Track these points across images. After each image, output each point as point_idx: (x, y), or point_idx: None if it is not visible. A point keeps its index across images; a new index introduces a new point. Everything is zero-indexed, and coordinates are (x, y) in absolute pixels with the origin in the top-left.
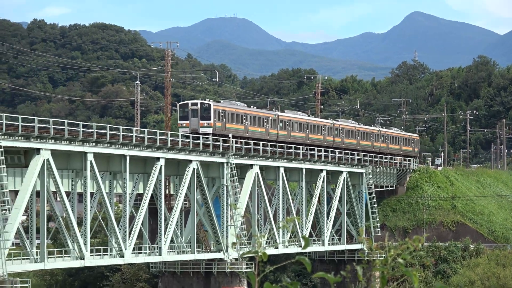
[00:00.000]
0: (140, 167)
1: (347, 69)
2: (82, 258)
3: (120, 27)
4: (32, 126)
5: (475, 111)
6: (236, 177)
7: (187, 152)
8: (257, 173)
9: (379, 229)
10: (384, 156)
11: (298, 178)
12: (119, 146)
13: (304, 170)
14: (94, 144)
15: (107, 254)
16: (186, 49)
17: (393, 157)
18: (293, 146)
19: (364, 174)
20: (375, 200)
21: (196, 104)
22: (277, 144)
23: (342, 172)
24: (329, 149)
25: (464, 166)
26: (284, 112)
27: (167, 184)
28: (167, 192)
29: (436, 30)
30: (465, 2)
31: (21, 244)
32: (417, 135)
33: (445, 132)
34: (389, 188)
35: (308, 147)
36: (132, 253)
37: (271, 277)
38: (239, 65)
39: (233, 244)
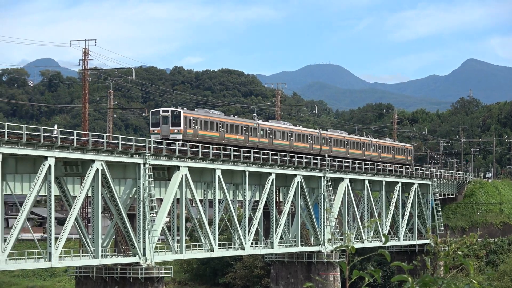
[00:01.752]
0: (257, 179)
1: (417, 103)
2: (212, 250)
3: (241, 72)
4: (173, 148)
5: None
6: (331, 187)
7: (293, 168)
8: (347, 184)
9: (442, 228)
10: (376, 163)
11: (379, 188)
12: (240, 163)
13: (384, 182)
14: (221, 162)
15: (231, 247)
16: (292, 89)
17: (385, 164)
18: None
19: (431, 185)
20: (439, 205)
21: (167, 111)
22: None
23: (413, 183)
24: (317, 157)
25: (510, 179)
26: (268, 121)
27: (277, 193)
28: (277, 199)
29: (487, 73)
30: (511, 51)
31: (165, 239)
32: (410, 145)
33: (494, 152)
34: (450, 196)
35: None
36: (250, 246)
37: (358, 266)
38: (333, 101)
39: (329, 239)
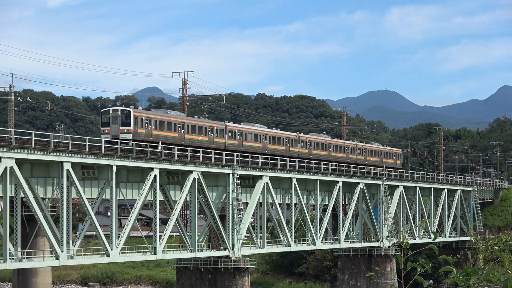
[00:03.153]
0: (326, 186)
1: (460, 123)
2: (289, 245)
3: (313, 97)
4: (256, 161)
5: None
6: (388, 193)
7: (357, 177)
8: (402, 191)
9: (482, 226)
10: (362, 166)
11: (429, 193)
12: (313, 173)
13: (432, 189)
14: (296, 172)
15: (305, 243)
16: (355, 111)
17: (372, 167)
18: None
19: (472, 191)
20: (479, 208)
21: (117, 110)
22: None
23: (457, 190)
24: (296, 159)
25: None
26: (240, 123)
27: (343, 197)
28: (343, 203)
29: None
30: None
31: (250, 236)
32: (399, 149)
33: None
34: (488, 200)
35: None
36: (321, 242)
37: (411, 258)
38: (390, 121)
39: (387, 236)
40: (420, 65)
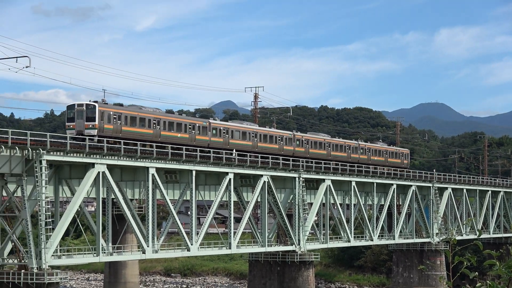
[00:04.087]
0: (381, 188)
1: (503, 131)
2: (349, 241)
3: (370, 109)
4: (320, 166)
5: None
6: (438, 195)
7: (409, 180)
8: (450, 192)
9: None
10: (366, 165)
11: (474, 195)
12: (370, 177)
13: (477, 190)
14: (356, 176)
15: (363, 239)
16: (408, 121)
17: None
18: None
19: None
20: None
21: (82, 105)
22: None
23: (500, 191)
24: (291, 158)
25: None
26: (227, 121)
27: (397, 198)
28: (397, 203)
29: None
30: None
31: (314, 233)
32: (406, 149)
33: None
34: None
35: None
36: (377, 238)
37: (458, 253)
38: (439, 130)
39: (436, 233)
40: (466, 79)
